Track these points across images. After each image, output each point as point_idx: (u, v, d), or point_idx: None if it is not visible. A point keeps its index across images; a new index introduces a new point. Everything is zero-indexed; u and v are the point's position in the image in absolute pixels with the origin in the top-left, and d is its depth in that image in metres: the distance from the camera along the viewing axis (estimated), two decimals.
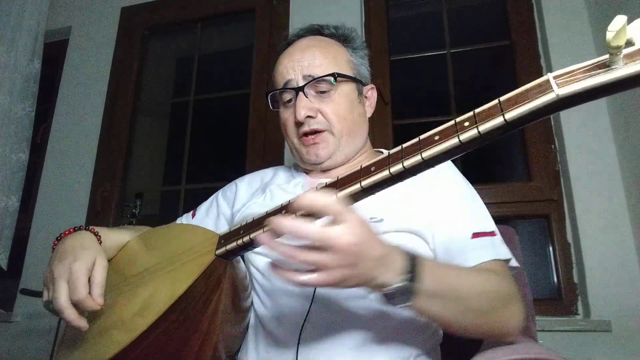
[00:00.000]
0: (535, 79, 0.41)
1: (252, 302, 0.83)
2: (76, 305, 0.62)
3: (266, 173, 1.03)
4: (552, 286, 1.51)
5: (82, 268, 0.65)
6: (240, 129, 1.98)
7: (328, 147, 0.85)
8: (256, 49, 2.02)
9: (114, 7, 2.26)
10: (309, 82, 0.84)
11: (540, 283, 1.61)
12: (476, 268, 0.71)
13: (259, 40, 2.03)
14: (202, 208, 1.04)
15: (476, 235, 0.75)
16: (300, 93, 0.84)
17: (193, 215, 1.03)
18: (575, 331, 1.35)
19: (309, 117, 0.83)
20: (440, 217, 0.77)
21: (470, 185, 0.86)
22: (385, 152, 0.91)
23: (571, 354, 1.31)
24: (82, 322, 0.62)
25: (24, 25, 2.14)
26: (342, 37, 0.93)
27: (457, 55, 1.83)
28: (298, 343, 0.72)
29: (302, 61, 0.85)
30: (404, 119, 1.80)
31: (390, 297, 0.55)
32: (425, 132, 0.48)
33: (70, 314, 0.62)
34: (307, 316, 0.73)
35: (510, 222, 1.67)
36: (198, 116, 2.16)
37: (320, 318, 0.73)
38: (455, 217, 0.77)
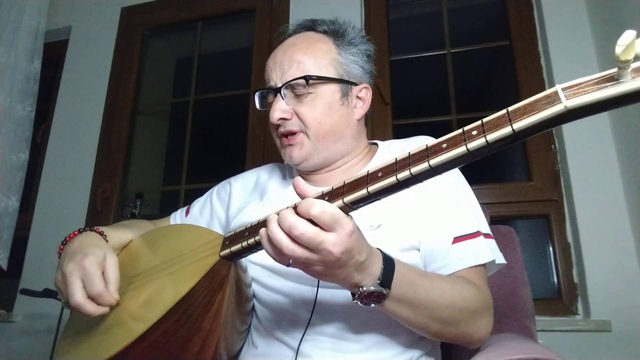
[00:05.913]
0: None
1: (254, 305, 0.83)
2: (93, 299, 0.64)
3: (261, 173, 1.01)
4: (552, 286, 1.52)
5: (94, 263, 0.66)
6: (240, 129, 1.98)
7: (302, 149, 0.83)
8: (256, 49, 2.02)
9: (114, 7, 2.26)
10: (284, 85, 0.82)
11: (540, 283, 1.61)
12: (453, 276, 0.71)
13: (259, 40, 2.03)
14: (196, 206, 1.03)
15: (457, 239, 0.74)
16: (278, 95, 0.83)
17: (187, 214, 1.02)
18: (575, 331, 1.36)
19: (283, 119, 0.82)
20: (424, 222, 0.76)
21: (462, 180, 0.84)
22: (381, 144, 0.89)
23: (571, 354, 1.30)
24: (102, 309, 0.64)
25: (24, 25, 2.13)
26: (334, 33, 0.88)
27: (457, 55, 1.83)
28: (299, 346, 0.72)
29: (283, 63, 0.84)
30: (404, 119, 1.80)
31: (363, 297, 0.58)
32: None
33: (90, 307, 0.63)
34: (309, 321, 0.73)
35: (510, 222, 1.67)
36: (198, 116, 2.16)
37: (322, 323, 0.73)
38: (438, 223, 0.76)
